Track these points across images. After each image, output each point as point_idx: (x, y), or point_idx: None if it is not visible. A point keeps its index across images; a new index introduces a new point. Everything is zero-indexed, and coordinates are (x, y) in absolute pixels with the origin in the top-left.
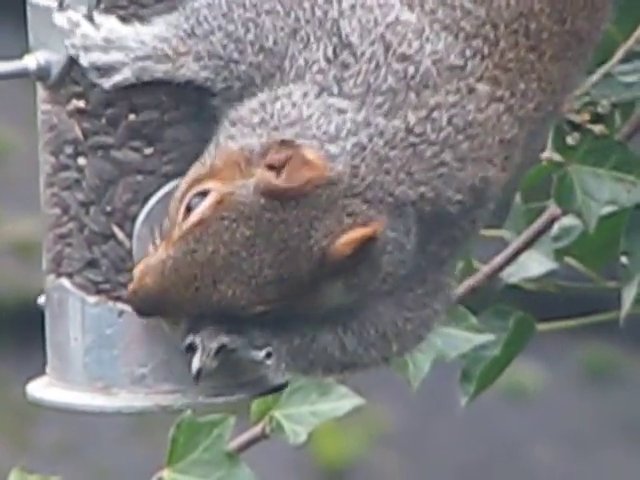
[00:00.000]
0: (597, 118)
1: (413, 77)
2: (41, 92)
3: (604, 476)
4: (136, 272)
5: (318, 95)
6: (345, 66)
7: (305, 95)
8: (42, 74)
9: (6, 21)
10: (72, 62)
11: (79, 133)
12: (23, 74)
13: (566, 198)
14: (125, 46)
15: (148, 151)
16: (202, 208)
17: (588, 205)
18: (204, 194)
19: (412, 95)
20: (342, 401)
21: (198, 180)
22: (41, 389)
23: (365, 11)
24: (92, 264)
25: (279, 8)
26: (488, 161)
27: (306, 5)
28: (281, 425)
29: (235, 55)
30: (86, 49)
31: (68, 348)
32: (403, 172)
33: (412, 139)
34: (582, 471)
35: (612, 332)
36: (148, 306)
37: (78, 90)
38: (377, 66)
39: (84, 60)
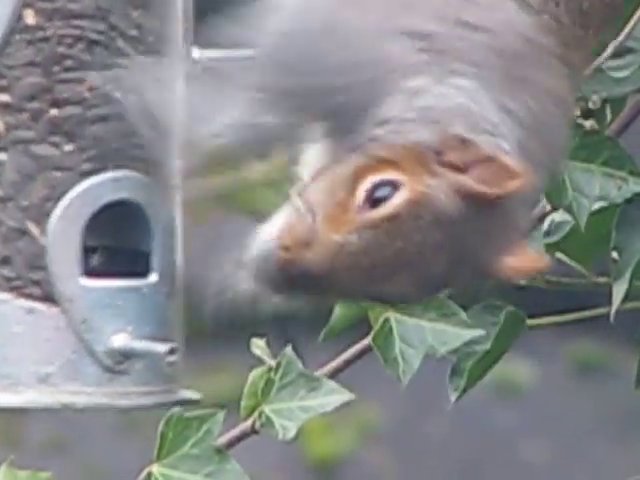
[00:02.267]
0: (588, 113)
1: (503, 50)
2: None
3: (595, 471)
4: (290, 238)
5: (440, 80)
6: (441, 52)
7: (441, 83)
8: None
9: None
10: None
11: (1, 127)
12: None
13: (556, 194)
14: None
15: (68, 148)
16: (397, 202)
17: (579, 201)
18: (392, 185)
19: (513, 69)
20: (331, 396)
21: (373, 167)
22: None
23: None
24: (5, 261)
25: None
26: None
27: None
28: (271, 420)
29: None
30: None
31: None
32: (539, 163)
33: (536, 123)
34: (574, 467)
35: (603, 328)
36: (296, 280)
37: (2, 83)
38: (471, 44)
39: None
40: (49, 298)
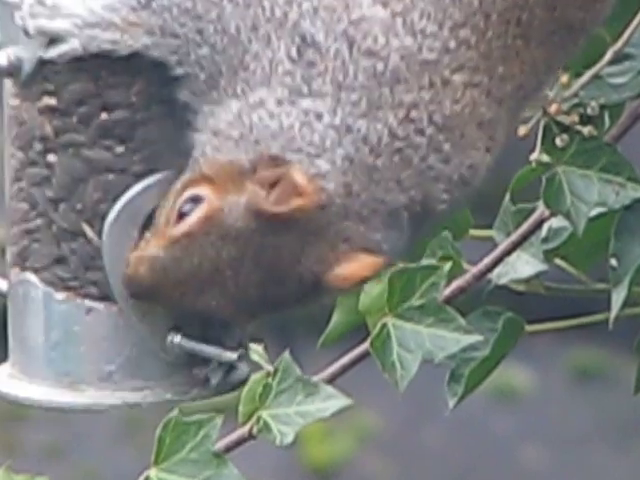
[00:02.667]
0: (586, 120)
1: (383, 73)
2: (10, 87)
3: (593, 477)
4: (132, 257)
5: (292, 101)
6: (311, 64)
7: (279, 102)
8: (13, 70)
9: None
10: (44, 60)
11: (49, 130)
12: None
13: (555, 200)
14: (73, 13)
15: (119, 150)
16: (191, 220)
17: (577, 207)
18: (197, 200)
19: (386, 92)
20: (329, 402)
21: (193, 181)
22: (6, 383)
23: (328, 11)
24: (60, 261)
25: (239, 0)
26: (471, 148)
27: (265, 4)
28: (268, 425)
29: (194, 35)
30: (33, 16)
31: (33, 343)
32: (392, 181)
33: (397, 144)
34: (573, 474)
35: (601, 334)
36: (141, 293)
37: (50, 88)
38: (343, 63)
39: (31, 27)
40: (107, 297)
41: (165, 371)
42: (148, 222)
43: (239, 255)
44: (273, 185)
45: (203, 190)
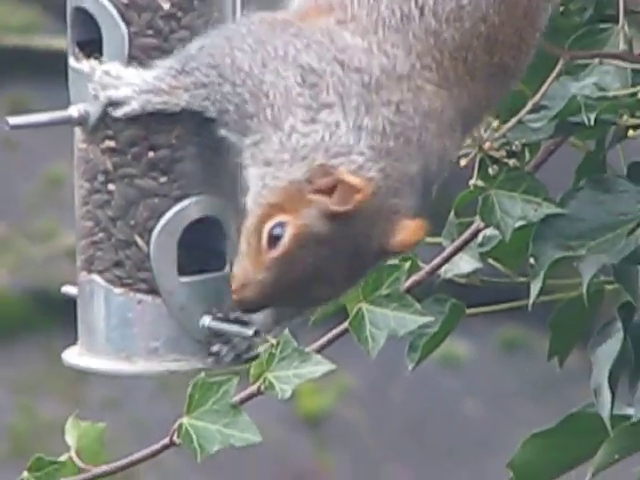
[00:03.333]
0: (511, 154)
1: (369, 83)
2: (79, 134)
3: (517, 426)
4: (235, 285)
5: (312, 118)
6: (314, 85)
7: (305, 123)
8: (82, 121)
9: (48, 82)
10: (105, 112)
11: (109, 166)
12: (68, 121)
13: (488, 215)
14: (132, 83)
15: (163, 180)
16: (285, 240)
17: (505, 220)
18: (281, 225)
19: (374, 96)
20: (317, 366)
21: (269, 215)
22: (76, 357)
23: (318, 44)
24: (118, 264)
25: (247, 48)
26: (445, 135)
27: (269, 48)
28: (272, 384)
29: (217, 79)
30: (103, 87)
31: (97, 327)
32: (405, 155)
33: (397, 129)
34: (501, 420)
35: (523, 315)
36: (253, 309)
37: (110, 133)
38: (339, 79)
39: (101, 96)
40: (153, 291)
41: (196, 347)
42: (184, 234)
43: (329, 252)
44: (332, 189)
45: (281, 218)
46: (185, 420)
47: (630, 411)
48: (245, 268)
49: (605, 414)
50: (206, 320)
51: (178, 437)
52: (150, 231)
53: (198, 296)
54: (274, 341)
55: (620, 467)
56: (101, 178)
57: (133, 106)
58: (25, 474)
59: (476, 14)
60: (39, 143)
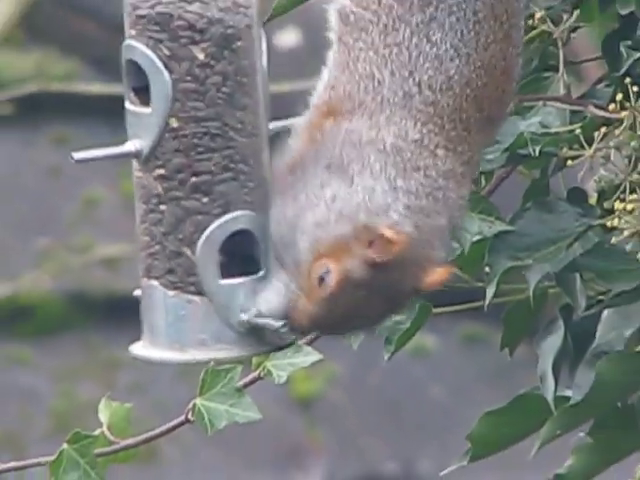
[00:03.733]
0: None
1: (384, 149)
2: (135, 165)
3: (475, 406)
4: (291, 312)
5: (348, 186)
6: (340, 166)
7: (345, 190)
8: (137, 154)
9: (87, 122)
10: (156, 146)
11: (161, 190)
12: (126, 155)
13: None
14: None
15: (205, 200)
16: (332, 283)
17: (464, 235)
18: (328, 270)
19: (397, 158)
20: (308, 357)
21: (320, 259)
22: (141, 349)
23: (326, 134)
24: (171, 271)
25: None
26: (461, 187)
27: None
28: (270, 371)
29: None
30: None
31: (156, 324)
32: (434, 212)
33: (427, 190)
34: (461, 403)
35: (480, 314)
36: (305, 332)
37: (159, 163)
38: (358, 152)
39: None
40: (200, 293)
41: (237, 338)
42: (224, 245)
43: (367, 294)
44: (372, 242)
45: (329, 264)
46: (198, 401)
47: (569, 394)
48: (301, 301)
49: (549, 396)
50: (244, 316)
51: (192, 415)
52: (195, 243)
53: (237, 295)
54: None
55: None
56: (154, 200)
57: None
58: (65, 446)
59: (462, 81)
60: (78, 170)
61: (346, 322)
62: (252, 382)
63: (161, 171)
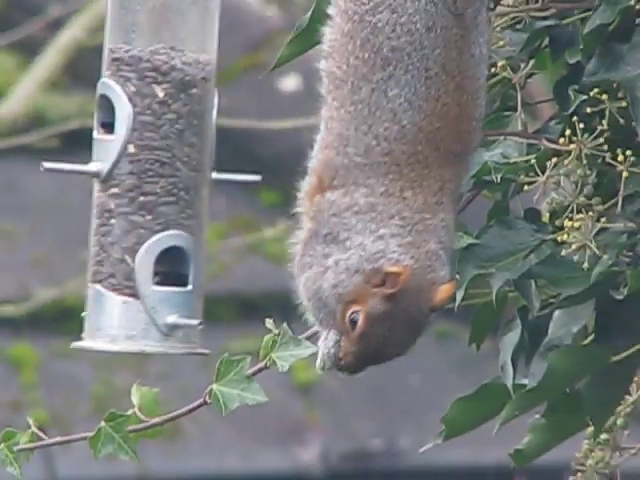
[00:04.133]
0: None
1: (360, 210)
2: (95, 185)
3: (447, 393)
4: (340, 353)
5: (345, 250)
6: (330, 236)
7: (342, 254)
8: (97, 174)
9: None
10: (114, 168)
11: (113, 206)
12: (87, 173)
13: None
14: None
15: (148, 217)
16: (360, 323)
17: None
18: (356, 312)
19: (374, 214)
20: (307, 349)
21: (347, 306)
22: (83, 342)
23: (319, 213)
24: (112, 275)
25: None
26: (439, 213)
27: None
28: (275, 362)
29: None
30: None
31: (96, 319)
32: (422, 241)
33: (408, 227)
34: (435, 390)
35: (452, 314)
36: (350, 370)
37: (115, 182)
38: (341, 218)
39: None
40: (135, 295)
41: (161, 337)
42: (159, 258)
43: (392, 324)
44: (383, 281)
45: (355, 308)
46: (214, 386)
47: (526, 381)
48: (344, 345)
49: (509, 383)
50: (170, 318)
51: (209, 398)
52: (136, 252)
53: (166, 302)
54: (276, 331)
55: None
56: (107, 215)
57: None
58: (102, 424)
59: (414, 129)
60: None
61: (383, 351)
62: (259, 371)
63: (115, 190)
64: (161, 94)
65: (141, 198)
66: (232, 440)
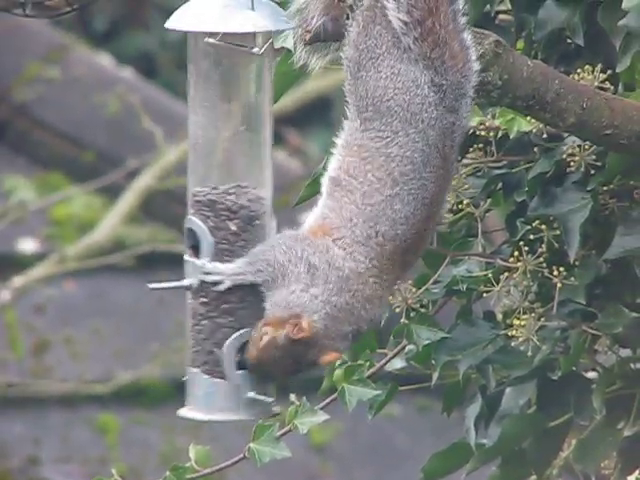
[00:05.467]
0: (422, 306)
1: (342, 276)
2: (188, 294)
3: (427, 448)
4: (247, 352)
5: (305, 289)
6: (313, 274)
7: (301, 290)
8: (190, 287)
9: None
10: (202, 283)
11: (203, 311)
12: (183, 287)
13: (410, 337)
14: (222, 272)
15: (230, 319)
16: (264, 342)
17: (419, 340)
18: (266, 333)
19: (343, 284)
20: (320, 417)
21: (263, 324)
22: (184, 412)
23: (319, 253)
24: (206, 363)
25: (282, 250)
26: (375, 307)
27: (293, 250)
28: (297, 426)
29: (265, 267)
30: (207, 273)
31: (195, 396)
32: (345, 321)
33: (348, 307)
34: (419, 450)
35: (429, 391)
36: (251, 371)
37: (203, 294)
38: (325, 272)
39: (208, 278)
40: (223, 378)
41: (244, 408)
42: (239, 348)
43: (283, 354)
44: (294, 326)
45: (267, 329)
46: (252, 444)
47: (485, 441)
48: (251, 347)
49: (472, 443)
50: (250, 394)
51: (248, 454)
52: (222, 345)
53: (246, 381)
54: (298, 403)
55: None
56: (198, 317)
57: (226, 284)
58: (167, 473)
59: (402, 238)
60: (175, 297)
61: (268, 368)
62: (285, 433)
63: (204, 299)
64: (233, 227)
65: (223, 305)
66: None
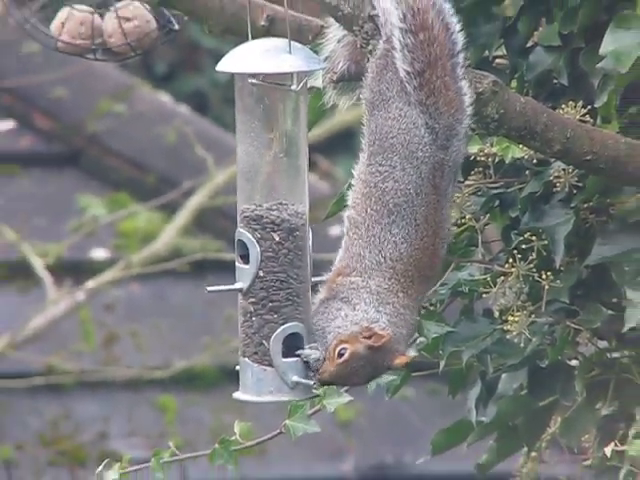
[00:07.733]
0: (432, 305)
1: (371, 291)
2: (239, 295)
3: (435, 424)
4: (320, 371)
5: (354, 309)
6: (349, 301)
7: (351, 311)
8: (241, 290)
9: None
10: (250, 286)
11: (252, 309)
12: (235, 289)
13: (421, 332)
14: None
15: (275, 316)
16: (345, 356)
17: (428, 334)
18: (344, 348)
19: (378, 298)
20: (345, 398)
21: (338, 343)
22: (238, 395)
23: (348, 290)
24: (255, 353)
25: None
26: (414, 312)
27: (329, 303)
28: (325, 406)
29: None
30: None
31: (246, 381)
32: (401, 326)
33: (396, 314)
34: (428, 426)
35: (437, 376)
36: (328, 383)
37: (252, 295)
38: (358, 292)
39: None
40: (271, 365)
41: (290, 391)
42: (285, 340)
43: (364, 364)
44: (370, 336)
45: (345, 345)
46: (287, 421)
47: (483, 419)
48: (325, 365)
49: (473, 420)
50: (294, 378)
51: (284, 429)
52: (270, 338)
53: (291, 367)
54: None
55: None
56: (248, 315)
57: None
58: (216, 445)
59: (407, 256)
60: (224, 323)
61: (349, 378)
62: (315, 412)
63: (253, 299)
64: (277, 238)
65: (269, 304)
66: (298, 457)
